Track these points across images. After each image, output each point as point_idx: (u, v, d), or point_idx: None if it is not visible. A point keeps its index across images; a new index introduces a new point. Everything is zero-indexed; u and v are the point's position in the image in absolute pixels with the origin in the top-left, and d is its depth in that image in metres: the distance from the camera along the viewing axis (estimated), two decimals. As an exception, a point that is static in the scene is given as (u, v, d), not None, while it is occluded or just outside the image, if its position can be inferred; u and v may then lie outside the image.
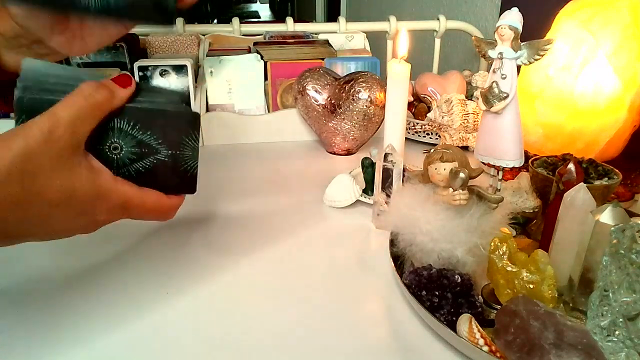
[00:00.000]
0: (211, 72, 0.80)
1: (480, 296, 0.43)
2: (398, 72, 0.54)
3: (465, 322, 0.36)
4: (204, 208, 0.61)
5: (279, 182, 0.69)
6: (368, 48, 0.95)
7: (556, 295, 0.38)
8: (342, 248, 0.52)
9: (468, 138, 0.75)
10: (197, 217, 0.59)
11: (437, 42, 1.07)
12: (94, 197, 0.34)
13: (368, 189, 0.60)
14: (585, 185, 0.40)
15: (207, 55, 0.81)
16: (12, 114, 0.34)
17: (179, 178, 0.40)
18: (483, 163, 0.50)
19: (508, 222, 0.46)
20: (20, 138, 0.30)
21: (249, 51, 0.85)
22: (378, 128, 0.76)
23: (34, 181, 0.31)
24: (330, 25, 0.98)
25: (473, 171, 0.43)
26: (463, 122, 0.75)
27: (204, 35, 0.91)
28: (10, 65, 0.40)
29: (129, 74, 0.37)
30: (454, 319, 0.38)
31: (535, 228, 0.51)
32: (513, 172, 0.60)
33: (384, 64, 0.66)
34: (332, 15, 3.33)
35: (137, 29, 0.86)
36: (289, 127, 0.83)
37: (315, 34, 0.96)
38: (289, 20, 0.98)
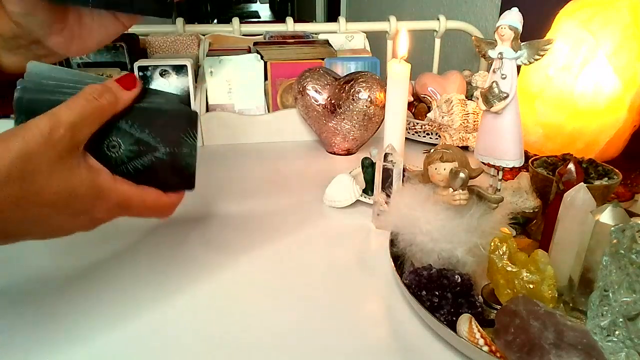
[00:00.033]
0: (211, 72, 0.80)
1: (480, 296, 0.43)
2: (398, 72, 0.54)
3: (465, 322, 0.36)
4: (204, 208, 0.61)
5: (279, 182, 0.69)
6: (368, 48, 0.95)
7: (556, 295, 0.38)
8: (342, 248, 0.52)
9: (468, 138, 0.75)
10: (197, 217, 0.59)
11: (437, 42, 1.07)
12: (93, 197, 0.34)
13: (368, 189, 0.60)
14: (585, 185, 0.40)
15: (207, 55, 0.81)
16: (12, 115, 0.34)
17: (177, 175, 0.40)
18: (483, 163, 0.50)
19: (508, 222, 0.46)
20: (19, 139, 0.30)
21: (249, 51, 0.85)
22: (378, 128, 0.76)
23: (33, 182, 0.31)
24: (330, 25, 0.98)
25: (473, 171, 0.43)
26: (463, 122, 0.75)
27: (204, 35, 0.91)
28: (9, 67, 0.40)
29: (134, 75, 0.37)
30: (454, 319, 0.38)
31: (535, 228, 0.51)
32: (513, 172, 0.60)
33: (384, 64, 0.66)
34: (332, 15, 3.33)
35: (137, 29, 0.86)
36: (289, 127, 0.83)
37: (315, 34, 0.96)
38: (289, 20, 0.98)
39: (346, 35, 0.95)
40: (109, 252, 0.50)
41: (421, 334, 0.39)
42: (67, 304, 0.42)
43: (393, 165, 0.52)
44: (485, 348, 0.34)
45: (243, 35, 0.96)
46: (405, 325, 0.40)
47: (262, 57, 0.82)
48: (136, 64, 0.76)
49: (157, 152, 0.38)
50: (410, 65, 0.54)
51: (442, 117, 0.77)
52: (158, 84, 0.77)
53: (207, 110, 0.81)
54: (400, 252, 0.45)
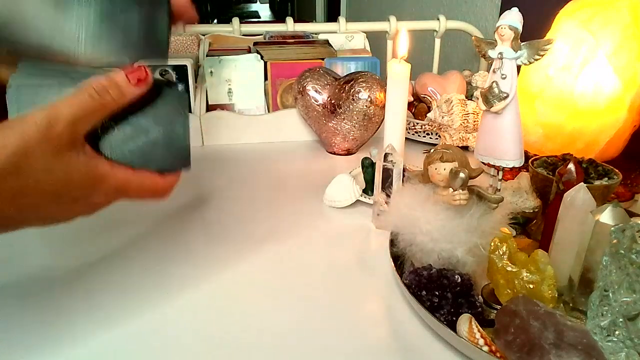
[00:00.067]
0: (211, 72, 0.80)
1: (480, 296, 0.43)
2: (398, 72, 0.54)
3: (465, 322, 0.36)
4: (204, 208, 0.61)
5: (279, 181, 0.69)
6: (368, 48, 0.95)
7: (556, 295, 0.38)
8: (342, 248, 0.52)
9: (468, 138, 0.75)
10: (197, 217, 0.59)
11: (437, 42, 1.07)
12: (92, 184, 0.34)
13: (368, 189, 0.60)
14: (585, 185, 0.40)
15: (207, 55, 0.81)
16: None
17: (171, 155, 0.39)
18: (483, 163, 0.50)
19: (508, 222, 0.46)
20: (16, 134, 0.30)
21: (249, 51, 0.85)
22: (378, 128, 0.76)
23: (30, 176, 0.31)
24: (330, 25, 0.98)
25: (473, 171, 0.43)
26: (463, 122, 0.75)
27: (204, 35, 0.91)
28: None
29: (145, 68, 0.35)
30: (454, 319, 0.38)
31: (535, 228, 0.51)
32: (513, 172, 0.60)
33: (384, 64, 0.66)
34: (332, 15, 3.33)
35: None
36: (289, 127, 0.83)
37: (315, 34, 0.96)
38: (289, 20, 0.98)
39: (346, 35, 0.95)
40: (109, 252, 0.50)
41: (421, 334, 0.39)
42: (67, 304, 0.42)
43: (393, 165, 0.52)
44: (485, 348, 0.34)
45: (243, 35, 0.96)
46: (405, 325, 0.40)
47: (262, 57, 0.82)
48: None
49: (149, 132, 0.38)
50: (410, 65, 0.54)
51: (442, 117, 0.77)
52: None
53: (207, 110, 0.81)
54: (400, 252, 0.45)
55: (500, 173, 0.50)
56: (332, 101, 0.73)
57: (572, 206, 0.40)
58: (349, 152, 0.78)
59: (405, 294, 0.41)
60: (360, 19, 1.19)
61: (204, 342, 0.39)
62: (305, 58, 0.83)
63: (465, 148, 0.74)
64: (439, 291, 0.39)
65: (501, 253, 0.40)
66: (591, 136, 0.63)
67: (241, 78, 0.82)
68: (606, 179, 0.49)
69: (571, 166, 0.44)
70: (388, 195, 0.52)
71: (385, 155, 0.53)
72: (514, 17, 0.44)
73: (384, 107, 0.62)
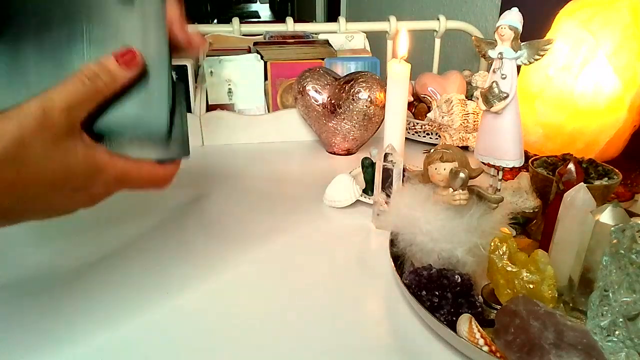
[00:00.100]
0: (211, 72, 0.80)
1: (480, 296, 0.43)
2: (398, 72, 0.54)
3: (465, 322, 0.36)
4: (203, 207, 0.61)
5: (279, 181, 0.69)
6: (368, 48, 0.95)
7: (556, 295, 0.38)
8: (342, 248, 0.52)
9: (468, 138, 0.75)
10: (196, 217, 0.59)
11: (437, 42, 1.07)
12: (91, 174, 0.34)
13: (368, 189, 0.60)
14: (585, 185, 0.40)
15: (207, 55, 0.81)
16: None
17: (165, 142, 0.38)
18: (483, 163, 0.50)
19: (508, 222, 0.46)
20: (13, 124, 0.30)
21: (249, 51, 0.85)
22: (378, 128, 0.76)
23: (29, 165, 0.31)
24: (330, 25, 0.98)
25: (473, 171, 0.43)
26: (463, 122, 0.75)
27: (204, 35, 0.91)
28: None
29: (134, 51, 0.35)
30: (454, 319, 0.38)
31: (535, 228, 0.51)
32: (513, 172, 0.60)
33: (384, 64, 0.66)
34: (332, 15, 3.33)
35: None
36: (289, 127, 0.83)
37: (315, 34, 0.96)
38: (289, 20, 0.98)
39: (346, 35, 0.95)
40: (109, 252, 0.50)
41: (421, 334, 0.39)
42: (67, 304, 0.43)
43: (393, 165, 0.52)
44: (485, 348, 0.34)
45: (243, 35, 0.96)
46: (405, 325, 0.40)
47: (262, 57, 0.82)
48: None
49: (138, 116, 0.37)
50: (410, 65, 0.54)
51: (442, 117, 0.77)
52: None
53: (207, 110, 0.81)
54: (400, 252, 0.45)
55: (500, 173, 0.50)
56: (332, 101, 0.73)
57: (572, 206, 0.40)
58: (349, 152, 0.78)
59: (405, 294, 0.41)
60: (360, 19, 1.19)
61: (204, 342, 0.39)
62: (305, 58, 0.83)
63: (465, 148, 0.74)
64: (439, 291, 0.39)
65: (501, 253, 0.40)
66: (591, 136, 0.63)
67: (241, 78, 0.82)
68: (606, 179, 0.49)
69: (571, 166, 0.44)
70: (388, 195, 0.52)
71: (385, 155, 0.53)
72: (514, 17, 0.44)
73: (384, 107, 0.62)
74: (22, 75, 0.34)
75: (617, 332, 0.34)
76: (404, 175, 0.53)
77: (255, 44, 0.86)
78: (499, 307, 0.40)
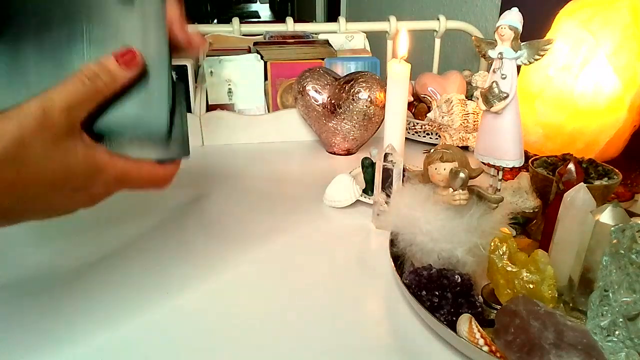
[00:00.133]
0: (211, 72, 0.80)
1: (480, 296, 0.43)
2: (398, 72, 0.54)
3: (465, 322, 0.36)
4: (203, 207, 0.61)
5: (279, 181, 0.69)
6: (368, 48, 0.95)
7: (556, 295, 0.38)
8: (342, 248, 0.52)
9: (468, 138, 0.75)
10: (196, 217, 0.59)
11: (437, 42, 1.07)
12: (91, 173, 0.34)
13: (368, 189, 0.60)
14: (585, 185, 0.40)
15: (207, 55, 0.81)
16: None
17: (164, 141, 0.38)
18: (483, 163, 0.50)
19: (508, 222, 0.46)
20: (13, 124, 0.30)
21: (249, 51, 0.85)
22: (378, 128, 0.76)
23: (29, 165, 0.31)
24: (330, 25, 0.98)
25: (473, 171, 0.43)
26: (463, 122, 0.75)
27: (204, 35, 0.91)
28: None
29: (134, 51, 0.35)
30: (454, 319, 0.38)
31: (535, 228, 0.51)
32: (513, 172, 0.60)
33: (384, 64, 0.66)
34: (332, 15, 3.33)
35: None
36: (289, 127, 0.83)
37: (315, 34, 0.96)
38: (289, 20, 0.98)
39: (346, 35, 0.95)
40: (109, 252, 0.50)
41: (421, 334, 0.39)
42: (67, 304, 0.43)
43: (393, 165, 0.52)
44: (485, 348, 0.34)
45: (243, 35, 0.96)
46: (405, 325, 0.40)
47: (262, 57, 0.82)
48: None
49: (137, 116, 0.37)
50: (410, 65, 0.54)
51: (442, 117, 0.77)
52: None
53: (207, 110, 0.81)
54: (400, 252, 0.45)
55: (500, 173, 0.50)
56: (332, 101, 0.73)
57: (572, 206, 0.40)
58: (349, 152, 0.78)
59: (405, 294, 0.41)
60: (360, 19, 1.19)
61: (204, 341, 0.39)
62: (305, 58, 0.83)
63: (465, 148, 0.74)
64: (439, 291, 0.39)
65: (501, 253, 0.40)
66: (591, 136, 0.63)
67: (241, 78, 0.82)
68: (606, 179, 0.49)
69: (571, 166, 0.44)
70: (388, 195, 0.52)
71: (385, 155, 0.53)
72: (514, 17, 0.44)
73: (384, 107, 0.62)
74: (22, 75, 0.34)
75: (617, 332, 0.34)
76: (404, 175, 0.53)
77: (255, 44, 0.86)
78: (499, 307, 0.40)
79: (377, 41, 1.05)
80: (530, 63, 0.45)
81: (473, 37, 0.48)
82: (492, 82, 0.46)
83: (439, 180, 0.43)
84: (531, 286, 0.38)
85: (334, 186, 0.61)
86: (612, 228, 0.34)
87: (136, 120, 0.36)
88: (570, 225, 0.40)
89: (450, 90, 0.87)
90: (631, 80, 0.60)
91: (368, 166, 0.59)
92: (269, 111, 0.85)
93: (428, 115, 0.81)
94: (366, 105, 0.71)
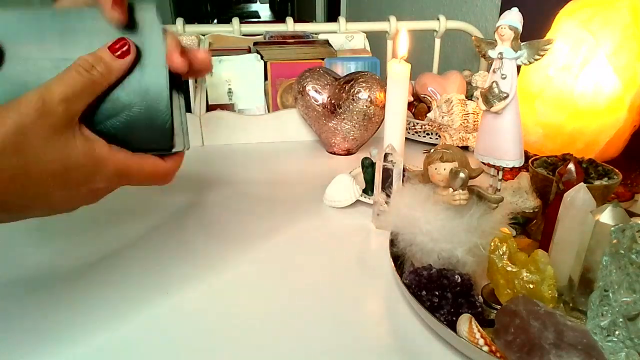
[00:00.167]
0: (211, 72, 0.80)
1: (480, 296, 0.43)
2: (398, 72, 0.54)
3: (465, 322, 0.36)
4: (203, 207, 0.61)
5: (279, 182, 0.69)
6: (368, 48, 0.95)
7: (556, 295, 0.38)
8: (342, 248, 0.52)
9: (468, 138, 0.75)
10: (196, 216, 0.59)
11: (437, 42, 1.07)
12: (91, 167, 0.34)
13: (368, 189, 0.60)
14: (585, 185, 0.40)
15: (210, 57, 0.81)
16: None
17: (159, 132, 0.38)
18: (483, 163, 0.50)
19: (508, 222, 0.46)
20: (13, 113, 0.30)
21: (249, 51, 0.85)
22: (378, 128, 0.76)
23: (29, 155, 0.31)
24: (330, 25, 0.98)
25: (473, 171, 0.43)
26: (463, 122, 0.75)
27: (204, 35, 0.91)
28: None
29: (126, 40, 0.35)
30: (454, 319, 0.38)
31: (535, 228, 0.51)
32: (513, 172, 0.60)
33: (384, 64, 0.66)
34: (332, 15, 3.33)
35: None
36: (289, 127, 0.83)
37: (315, 34, 0.96)
38: (289, 20, 0.98)
39: (346, 35, 0.95)
40: (109, 252, 0.50)
41: (421, 334, 0.39)
42: (67, 304, 0.43)
43: (393, 165, 0.52)
44: (485, 348, 0.34)
45: (243, 35, 0.96)
46: (405, 325, 0.40)
47: (262, 57, 0.82)
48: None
49: (133, 108, 0.37)
50: (410, 65, 0.54)
51: (442, 117, 0.77)
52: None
53: (207, 110, 0.81)
54: (400, 252, 0.45)
55: (500, 173, 0.50)
56: (332, 101, 0.73)
57: (572, 206, 0.40)
58: (349, 152, 0.78)
59: (405, 294, 0.41)
60: (360, 19, 1.19)
61: (204, 341, 0.39)
62: (305, 58, 0.83)
63: (465, 148, 0.74)
64: (439, 291, 0.39)
65: (501, 253, 0.40)
66: (591, 136, 0.63)
67: (241, 78, 0.82)
68: (606, 179, 0.49)
69: (571, 166, 0.44)
70: (388, 195, 0.52)
71: (385, 155, 0.53)
72: (514, 17, 0.44)
73: (384, 107, 0.62)
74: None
75: (617, 332, 0.34)
76: (404, 175, 0.53)
77: (255, 44, 0.86)
78: (499, 307, 0.40)
79: (377, 41, 1.05)
80: (530, 63, 0.45)
81: (473, 37, 0.48)
82: (492, 82, 0.46)
83: (439, 180, 0.43)
84: (531, 286, 0.38)
85: (334, 186, 0.61)
86: (612, 228, 0.34)
87: (135, 114, 0.36)
88: (570, 225, 0.40)
89: (450, 90, 0.87)
90: (631, 80, 0.60)
91: (368, 166, 0.59)
92: (269, 111, 0.85)
93: (428, 115, 0.81)
94: (366, 105, 0.71)
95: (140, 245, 0.52)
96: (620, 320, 0.33)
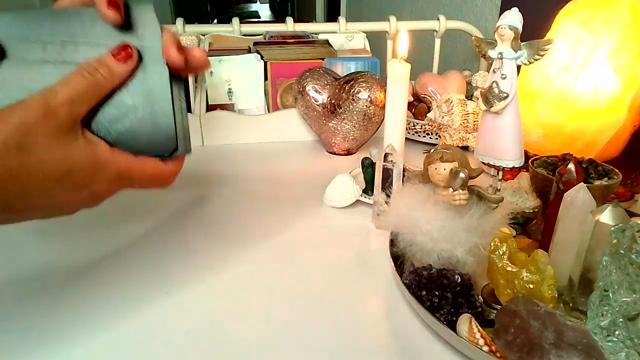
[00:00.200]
0: (211, 72, 0.80)
1: (480, 296, 0.43)
2: (398, 72, 0.54)
3: (465, 322, 0.36)
4: (203, 207, 0.61)
5: (279, 182, 0.69)
6: (368, 48, 0.95)
7: (556, 295, 0.38)
8: (342, 248, 0.52)
9: (468, 138, 0.75)
10: (196, 217, 0.59)
11: (437, 42, 1.07)
12: (93, 169, 0.34)
13: (368, 189, 0.60)
14: (585, 185, 0.40)
15: (207, 56, 0.81)
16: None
17: (163, 137, 0.38)
18: (483, 163, 0.50)
19: (508, 222, 0.46)
20: (18, 112, 0.31)
21: (249, 51, 0.85)
22: (378, 128, 0.76)
23: (31, 154, 0.31)
24: (330, 25, 0.98)
25: (473, 171, 0.43)
26: (463, 122, 0.75)
27: (204, 35, 0.91)
28: None
29: (129, 46, 0.35)
30: (454, 319, 0.38)
31: (535, 228, 0.51)
32: (513, 172, 0.60)
33: (384, 64, 0.66)
34: (332, 15, 3.33)
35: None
36: (289, 127, 0.83)
37: (315, 34, 0.96)
38: (289, 20, 0.98)
39: (346, 35, 0.95)
40: (109, 252, 0.50)
41: (421, 334, 0.39)
42: (67, 304, 0.43)
43: (393, 165, 0.52)
44: (485, 348, 0.34)
45: (243, 35, 0.96)
46: (405, 325, 0.40)
47: (262, 57, 0.82)
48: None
49: (137, 111, 0.37)
50: (410, 65, 0.54)
51: (442, 117, 0.77)
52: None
53: (207, 110, 0.81)
54: (400, 252, 0.45)
55: (500, 173, 0.50)
56: (332, 101, 0.73)
57: (572, 206, 0.40)
58: (349, 152, 0.78)
59: (405, 294, 0.41)
60: (360, 19, 1.19)
61: (205, 342, 0.39)
62: (305, 58, 0.83)
63: (465, 148, 0.74)
64: (439, 291, 0.39)
65: (501, 253, 0.40)
66: (591, 136, 0.63)
67: (241, 78, 0.82)
68: (606, 179, 0.49)
69: (571, 166, 0.44)
70: (388, 195, 0.52)
71: (385, 155, 0.53)
72: (514, 17, 0.44)
73: (384, 107, 0.62)
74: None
75: (617, 332, 0.34)
76: (404, 175, 0.53)
77: (255, 44, 0.86)
78: (499, 307, 0.40)
79: (377, 41, 1.05)
80: (530, 63, 0.45)
81: (473, 37, 0.48)
82: (492, 82, 0.46)
83: (439, 180, 0.44)
84: (531, 286, 0.38)
85: (334, 186, 0.61)
86: (612, 228, 0.34)
87: (140, 117, 0.36)
88: (570, 225, 0.40)
89: (450, 90, 0.87)
90: (631, 80, 0.60)
91: (368, 166, 0.59)
92: (269, 111, 0.85)
93: (428, 115, 0.81)
94: (366, 105, 0.71)
95: (140, 245, 0.52)
96: (620, 320, 0.33)
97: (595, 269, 0.37)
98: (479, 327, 0.36)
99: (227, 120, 0.80)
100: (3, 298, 0.43)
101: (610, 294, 0.34)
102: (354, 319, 0.41)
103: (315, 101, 0.74)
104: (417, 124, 0.81)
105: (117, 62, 0.35)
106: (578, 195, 0.39)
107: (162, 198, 0.61)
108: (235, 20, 0.95)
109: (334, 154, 0.78)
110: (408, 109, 0.78)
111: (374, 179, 0.55)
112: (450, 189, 0.42)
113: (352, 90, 0.71)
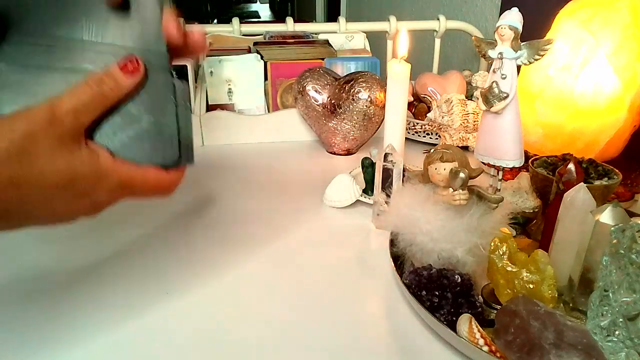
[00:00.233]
0: (211, 72, 0.80)
1: (480, 296, 0.43)
2: (398, 72, 0.54)
3: (465, 322, 0.36)
4: (204, 208, 0.61)
5: (279, 182, 0.69)
6: (368, 48, 0.95)
7: (556, 295, 0.38)
8: (342, 248, 0.52)
9: (468, 138, 0.75)
10: (197, 217, 0.59)
11: (437, 42, 1.07)
12: (95, 178, 0.34)
13: (368, 189, 0.60)
14: (585, 185, 0.40)
15: (207, 55, 0.81)
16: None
17: (166, 146, 0.38)
18: (483, 163, 0.50)
19: (508, 222, 0.46)
20: (23, 119, 0.31)
21: (249, 51, 0.85)
22: (378, 128, 0.76)
23: (34, 162, 0.31)
24: (330, 25, 0.98)
25: (473, 171, 0.43)
26: (463, 122, 0.75)
27: (204, 34, 0.91)
28: None
29: (135, 58, 0.36)
30: (454, 319, 0.38)
31: (535, 228, 0.51)
32: (513, 172, 0.60)
33: (384, 64, 0.66)
34: (332, 15, 3.33)
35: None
36: (289, 127, 0.83)
37: (315, 34, 0.96)
38: (289, 20, 0.98)
39: (346, 35, 0.95)
40: (110, 253, 0.50)
41: (421, 334, 0.39)
42: (68, 305, 0.43)
43: (393, 165, 0.52)
44: (485, 348, 0.34)
45: (243, 35, 0.96)
46: (405, 325, 0.40)
47: (262, 57, 0.82)
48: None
49: (142, 122, 0.37)
50: (410, 65, 0.54)
51: (442, 117, 0.77)
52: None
53: (207, 110, 0.81)
54: (400, 252, 0.45)
55: (500, 173, 0.50)
56: (332, 101, 0.73)
57: (572, 206, 0.40)
58: (349, 152, 0.78)
59: (405, 294, 0.41)
60: (360, 19, 1.19)
61: (205, 342, 0.39)
62: (305, 58, 0.83)
63: (465, 148, 0.74)
64: (439, 291, 0.39)
65: (501, 253, 0.40)
66: (591, 136, 0.63)
67: (241, 78, 0.82)
68: (606, 179, 0.49)
69: (571, 166, 0.44)
70: (388, 195, 0.52)
71: (385, 155, 0.53)
72: (514, 17, 0.44)
73: (384, 107, 0.62)
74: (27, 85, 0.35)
75: (617, 332, 0.34)
76: (404, 175, 0.53)
77: (255, 44, 0.86)
78: (499, 307, 0.40)
79: (377, 41, 1.05)
80: (530, 63, 0.45)
81: (473, 37, 0.48)
82: (492, 82, 0.46)
83: (439, 180, 0.44)
84: (531, 286, 0.38)
85: (334, 186, 0.61)
86: (612, 228, 0.34)
87: (143, 127, 0.36)
88: (570, 225, 0.40)
89: (450, 90, 0.87)
90: (631, 80, 0.60)
91: (368, 166, 0.59)
92: (269, 111, 0.85)
93: (428, 115, 0.81)
94: (366, 105, 0.71)
95: (141, 246, 0.52)
96: (620, 320, 0.33)
97: (595, 269, 0.37)
98: (479, 327, 0.36)
99: (227, 120, 0.80)
100: (3, 299, 0.43)
101: (610, 294, 0.34)
102: (354, 319, 0.41)
103: (315, 101, 0.74)
104: (417, 124, 0.81)
105: (124, 75, 0.35)
106: (578, 195, 0.39)
107: (162, 199, 0.61)
108: (235, 20, 0.95)
109: (334, 154, 0.78)
110: (408, 109, 0.78)
111: (374, 179, 0.55)
112: (450, 189, 0.42)
113: (352, 90, 0.71)
